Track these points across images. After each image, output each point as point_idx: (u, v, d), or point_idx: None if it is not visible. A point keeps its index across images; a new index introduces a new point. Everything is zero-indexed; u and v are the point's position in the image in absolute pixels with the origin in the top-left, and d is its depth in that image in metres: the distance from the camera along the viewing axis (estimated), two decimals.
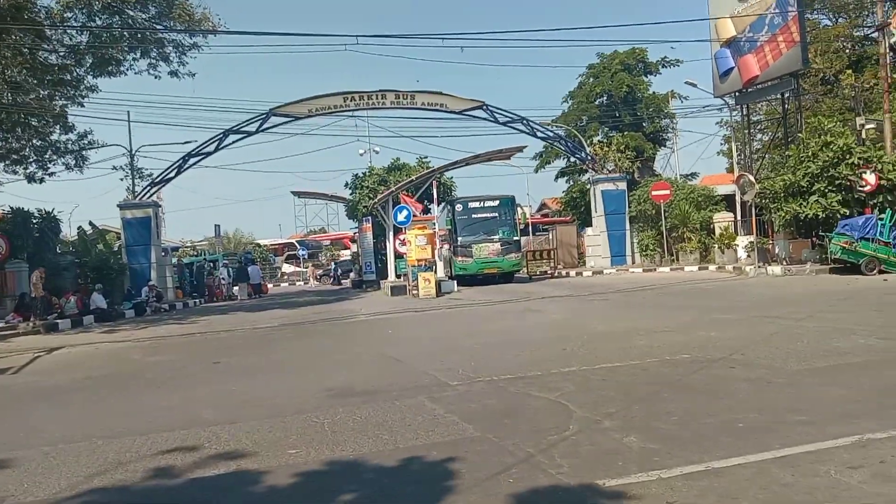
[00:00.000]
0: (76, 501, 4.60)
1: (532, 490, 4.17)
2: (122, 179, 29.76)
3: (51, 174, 26.87)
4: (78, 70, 24.64)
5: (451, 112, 29.76)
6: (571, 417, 5.77)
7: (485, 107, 29.67)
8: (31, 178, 26.25)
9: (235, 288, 34.40)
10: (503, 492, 4.17)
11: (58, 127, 25.87)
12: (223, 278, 34.21)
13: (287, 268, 53.95)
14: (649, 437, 5.05)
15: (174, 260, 33.91)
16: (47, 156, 26.42)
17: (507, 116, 30.17)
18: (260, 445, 5.59)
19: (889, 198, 20.95)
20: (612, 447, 4.90)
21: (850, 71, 31.21)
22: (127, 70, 25.27)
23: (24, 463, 5.54)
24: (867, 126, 24.08)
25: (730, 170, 37.59)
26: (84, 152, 27.39)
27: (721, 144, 44.69)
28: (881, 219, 19.33)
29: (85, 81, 25.21)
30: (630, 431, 5.24)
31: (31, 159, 26.06)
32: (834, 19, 36.32)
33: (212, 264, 35.43)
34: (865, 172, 20.78)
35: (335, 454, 5.21)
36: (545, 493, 4.13)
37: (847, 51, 34.44)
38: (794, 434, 4.89)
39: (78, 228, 29.72)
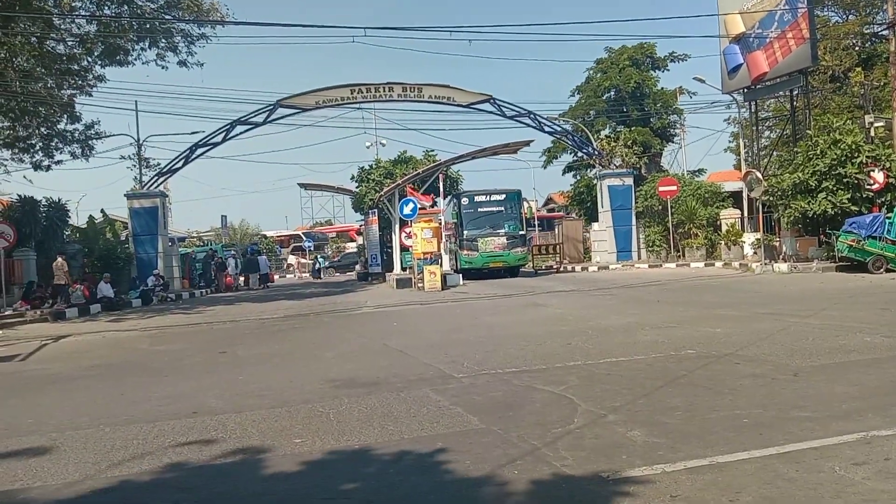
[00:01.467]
0: (83, 487, 4.64)
1: (536, 482, 4.19)
2: (129, 169, 29.92)
3: (57, 162, 26.97)
4: (87, 59, 24.65)
5: (458, 105, 29.70)
6: (576, 411, 5.79)
7: (492, 100, 29.60)
8: (37, 166, 26.33)
9: (241, 278, 34.44)
10: (508, 483, 4.20)
11: (65, 116, 25.93)
12: (230, 268, 34.26)
13: (293, 259, 54.14)
14: (653, 432, 5.07)
15: (183, 251, 33.95)
16: (53, 144, 26.47)
17: (514, 110, 30.09)
18: (266, 434, 5.63)
19: None
20: (617, 440, 4.92)
21: (859, 68, 31.00)
22: (135, 60, 25.28)
23: (32, 449, 5.59)
24: (876, 124, 23.96)
25: (737, 166, 37.44)
26: (90, 142, 27.46)
27: (729, 141, 44.64)
28: (889, 217, 19.26)
29: (93, 71, 25.24)
30: (634, 425, 5.26)
31: (38, 147, 26.12)
32: (844, 16, 36.06)
33: (213, 253, 35.47)
34: (873, 171, 20.69)
35: (340, 444, 5.25)
36: (549, 485, 4.15)
37: (857, 48, 34.19)
38: (799, 430, 4.90)
39: (88, 217, 29.77)
